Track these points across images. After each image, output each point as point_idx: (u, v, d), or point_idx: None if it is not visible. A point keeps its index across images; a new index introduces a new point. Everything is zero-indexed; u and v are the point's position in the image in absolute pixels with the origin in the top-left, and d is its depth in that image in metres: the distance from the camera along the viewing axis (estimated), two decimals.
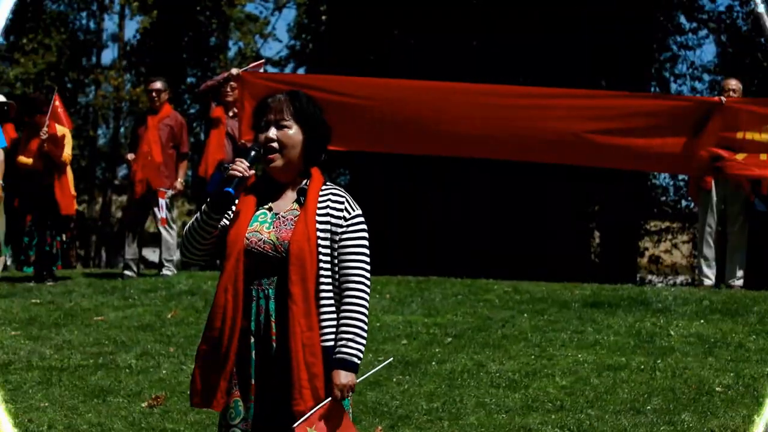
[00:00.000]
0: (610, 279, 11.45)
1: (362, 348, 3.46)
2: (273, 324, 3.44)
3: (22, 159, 10.33)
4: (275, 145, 3.52)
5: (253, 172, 3.50)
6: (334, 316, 3.47)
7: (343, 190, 3.61)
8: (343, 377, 3.41)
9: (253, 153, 3.52)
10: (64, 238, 10.43)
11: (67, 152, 10.46)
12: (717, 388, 6.22)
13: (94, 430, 5.72)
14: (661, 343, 7.30)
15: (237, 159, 3.51)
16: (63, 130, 10.48)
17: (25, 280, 10.55)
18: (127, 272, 10.78)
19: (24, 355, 7.30)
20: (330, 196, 3.54)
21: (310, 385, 3.38)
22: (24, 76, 25.71)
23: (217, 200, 3.48)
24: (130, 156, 10.82)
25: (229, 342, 3.44)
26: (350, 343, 3.44)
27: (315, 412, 3.36)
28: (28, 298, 9.40)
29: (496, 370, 6.69)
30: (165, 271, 10.71)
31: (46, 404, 6.19)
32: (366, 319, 3.49)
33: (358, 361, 3.44)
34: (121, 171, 29.24)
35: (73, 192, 10.59)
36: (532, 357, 6.99)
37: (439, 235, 19.39)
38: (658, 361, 6.80)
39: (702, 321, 7.91)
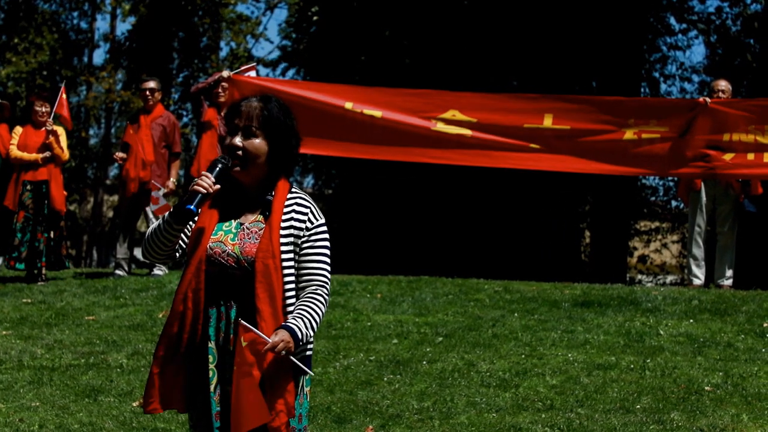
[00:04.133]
0: (600, 279, 11.49)
1: (310, 334, 3.45)
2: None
3: (18, 153, 10.32)
4: (240, 153, 3.52)
5: (218, 187, 3.48)
6: None
7: (308, 198, 3.61)
8: (283, 334, 3.36)
9: (219, 166, 3.51)
10: (51, 236, 10.42)
11: (65, 149, 10.55)
12: (706, 388, 6.25)
13: (86, 430, 5.73)
14: (650, 342, 7.34)
15: (202, 174, 3.50)
16: (59, 129, 10.58)
17: (16, 279, 10.55)
18: (118, 272, 10.79)
19: (15, 355, 7.30)
20: (294, 207, 3.54)
21: (283, 399, 3.39)
22: (16, 75, 25.68)
23: (178, 215, 3.48)
24: (120, 155, 10.83)
25: (189, 347, 3.46)
26: (299, 322, 3.42)
27: (258, 336, 3.34)
28: (20, 297, 9.40)
29: (486, 370, 6.71)
30: (156, 271, 10.71)
31: (37, 404, 6.19)
32: (320, 316, 3.49)
33: (300, 336, 3.39)
34: (113, 171, 29.24)
35: (63, 191, 10.63)
36: (523, 356, 7.02)
37: (430, 234, 19.41)
38: (648, 361, 6.83)
39: (691, 320, 7.94)
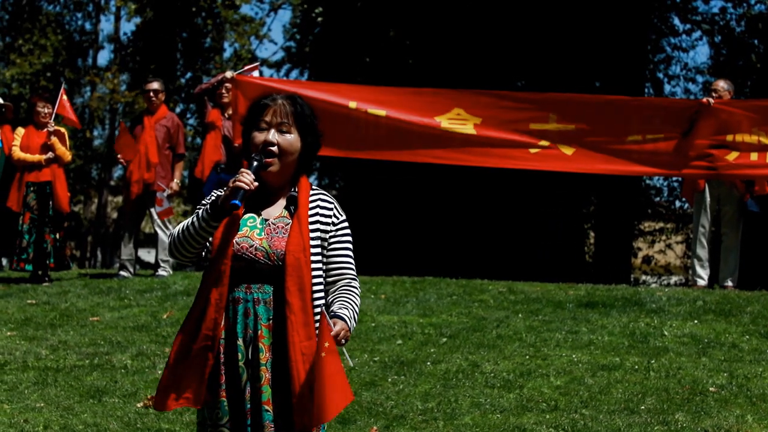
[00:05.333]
0: (604, 279, 11.49)
1: (354, 325, 3.50)
2: (263, 328, 3.45)
3: (21, 154, 10.35)
4: (275, 149, 3.51)
5: (257, 184, 3.46)
6: None
7: (330, 195, 3.64)
8: (342, 324, 3.42)
9: (255, 164, 3.48)
10: (57, 237, 10.45)
11: (67, 150, 10.60)
12: (710, 388, 6.24)
13: (90, 431, 5.73)
14: (655, 343, 7.33)
15: (242, 171, 3.45)
16: (62, 129, 10.66)
17: (21, 280, 10.56)
18: (122, 273, 10.80)
19: (20, 356, 7.31)
20: (319, 203, 3.56)
21: (312, 395, 3.37)
22: (20, 76, 25.73)
23: (223, 211, 3.44)
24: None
25: (210, 342, 3.43)
26: (347, 312, 3.48)
27: (327, 322, 3.37)
28: (24, 298, 9.41)
29: (490, 371, 6.71)
30: (161, 272, 10.72)
31: (42, 405, 6.20)
32: (358, 307, 3.55)
33: (349, 326, 3.46)
34: (117, 172, 29.26)
35: (67, 192, 10.65)
36: (527, 357, 7.02)
37: (434, 235, 19.41)
38: (652, 361, 6.83)
39: (696, 321, 7.94)
